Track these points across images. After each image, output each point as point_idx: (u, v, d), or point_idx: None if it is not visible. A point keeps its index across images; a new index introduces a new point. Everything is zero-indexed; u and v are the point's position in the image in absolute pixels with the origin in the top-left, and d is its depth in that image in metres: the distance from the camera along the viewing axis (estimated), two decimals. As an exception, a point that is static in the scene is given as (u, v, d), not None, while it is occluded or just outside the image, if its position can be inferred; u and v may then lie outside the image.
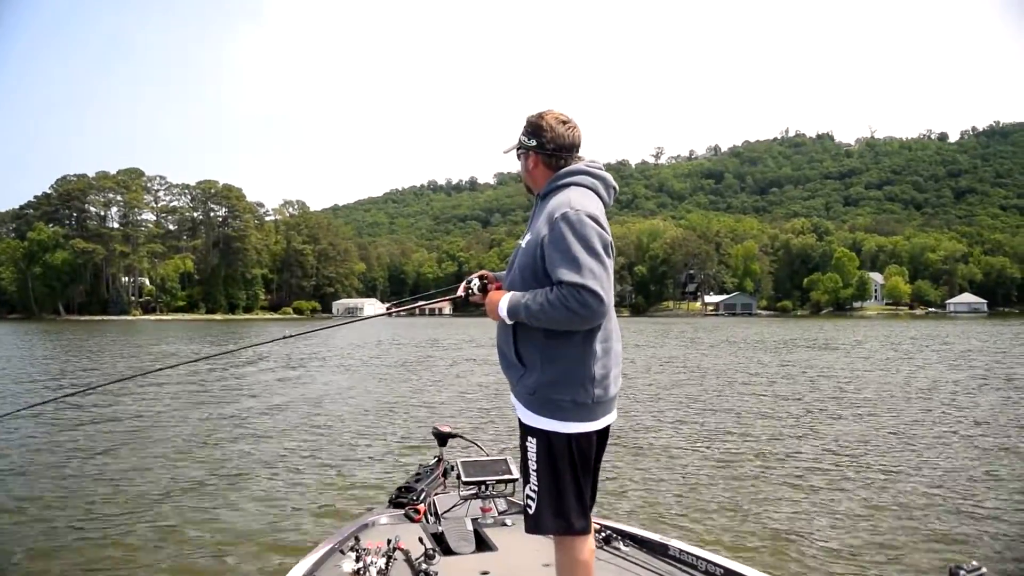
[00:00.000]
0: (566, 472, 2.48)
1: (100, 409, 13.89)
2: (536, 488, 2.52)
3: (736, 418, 12.67)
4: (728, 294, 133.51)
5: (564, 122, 2.61)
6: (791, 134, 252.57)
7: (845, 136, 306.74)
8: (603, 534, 3.52)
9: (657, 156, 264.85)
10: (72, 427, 11.97)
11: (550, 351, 2.44)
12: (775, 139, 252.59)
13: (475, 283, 2.74)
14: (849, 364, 23.98)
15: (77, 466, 9.13)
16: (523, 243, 2.59)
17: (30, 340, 43.95)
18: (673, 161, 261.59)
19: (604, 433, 2.62)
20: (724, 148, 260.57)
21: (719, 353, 30.11)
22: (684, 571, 3.27)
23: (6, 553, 6.09)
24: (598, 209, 2.47)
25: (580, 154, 2.65)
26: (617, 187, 2.67)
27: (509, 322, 2.52)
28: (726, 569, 3.13)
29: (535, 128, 2.62)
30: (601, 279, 2.30)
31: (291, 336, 3.65)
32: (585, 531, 2.54)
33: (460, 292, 2.78)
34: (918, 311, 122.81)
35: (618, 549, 3.48)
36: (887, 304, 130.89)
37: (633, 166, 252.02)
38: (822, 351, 30.94)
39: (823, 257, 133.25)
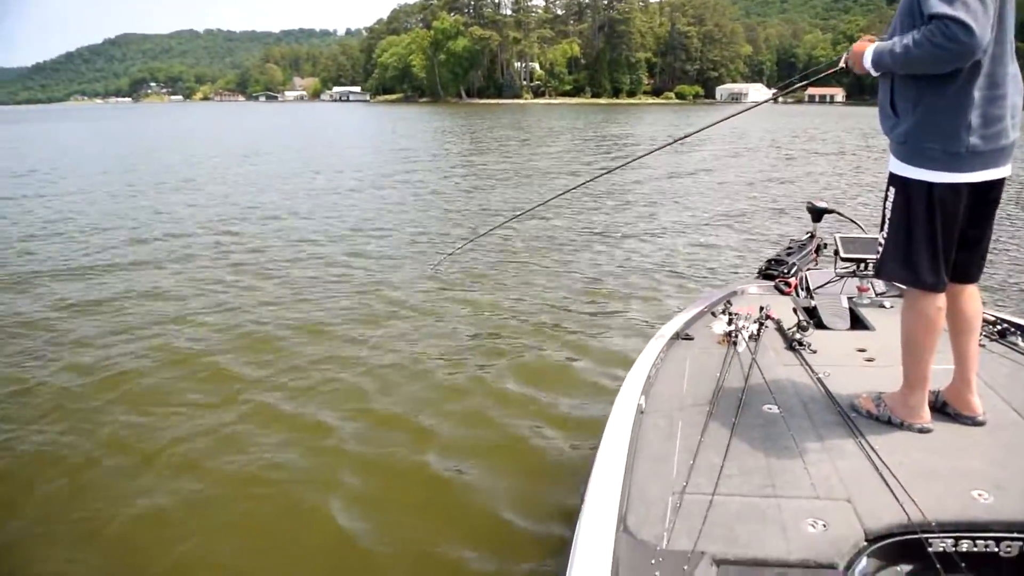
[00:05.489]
0: (921, 222, 2.33)
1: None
2: (887, 235, 2.46)
3: None
4: None
5: None
6: None
7: None
8: (998, 327, 3.16)
9: None
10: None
11: (923, 98, 2.27)
12: None
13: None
14: None
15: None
16: None
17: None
18: None
19: (986, 189, 2.35)
20: None
21: None
22: None
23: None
24: None
25: None
26: None
27: (875, 73, 2.36)
28: None
29: None
30: (975, 12, 2.03)
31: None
32: (935, 288, 2.39)
33: (842, 64, 2.52)
34: None
35: (1016, 344, 3.07)
36: None
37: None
38: None
39: None
